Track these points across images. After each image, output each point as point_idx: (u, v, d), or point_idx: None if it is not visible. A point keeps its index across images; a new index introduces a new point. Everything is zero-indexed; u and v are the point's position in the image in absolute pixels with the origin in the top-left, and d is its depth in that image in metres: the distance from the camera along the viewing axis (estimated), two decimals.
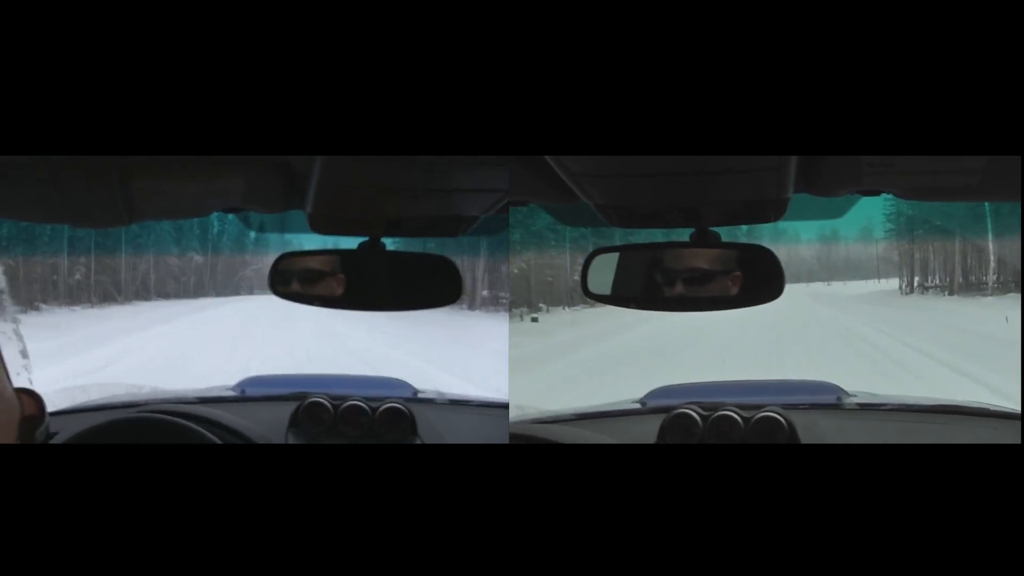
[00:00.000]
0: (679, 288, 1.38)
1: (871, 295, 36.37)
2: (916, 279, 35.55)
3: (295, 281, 1.55)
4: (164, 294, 32.87)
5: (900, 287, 37.00)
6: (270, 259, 1.54)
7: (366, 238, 1.48)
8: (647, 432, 2.06)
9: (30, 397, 0.95)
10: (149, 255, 32.53)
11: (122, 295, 29.57)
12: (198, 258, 34.82)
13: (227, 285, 36.83)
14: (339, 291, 1.52)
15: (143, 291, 31.89)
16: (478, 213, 1.48)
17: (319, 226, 1.44)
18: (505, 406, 2.55)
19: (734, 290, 1.38)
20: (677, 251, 1.40)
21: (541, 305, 24.23)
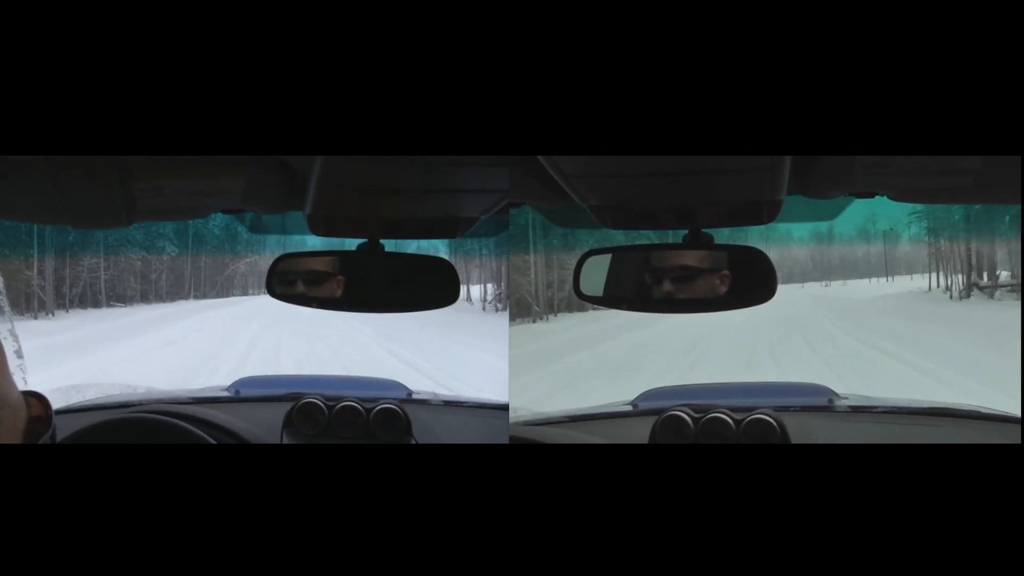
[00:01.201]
0: (667, 287, 1.38)
1: (897, 299, 27.80)
2: (968, 276, 26.23)
3: (292, 283, 1.55)
4: (122, 297, 26.11)
5: (939, 287, 29.02)
6: (267, 254, 1.54)
7: (364, 240, 1.48)
8: (638, 434, 2.06)
9: (37, 400, 0.94)
10: (99, 253, 25.19)
11: (37, 303, 21.97)
12: (172, 248, 28.62)
13: (213, 283, 32.49)
14: (337, 292, 1.52)
15: (90, 296, 25.02)
16: (477, 214, 1.48)
17: (318, 227, 1.44)
18: (499, 407, 2.55)
19: (722, 289, 1.38)
20: (666, 251, 1.40)
21: None
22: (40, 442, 0.92)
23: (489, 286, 25.25)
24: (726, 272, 1.38)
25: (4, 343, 0.87)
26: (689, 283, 1.39)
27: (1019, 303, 19.71)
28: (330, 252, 1.53)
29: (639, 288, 1.44)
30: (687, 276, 1.38)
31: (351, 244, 1.51)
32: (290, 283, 1.54)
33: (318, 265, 1.53)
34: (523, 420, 2.47)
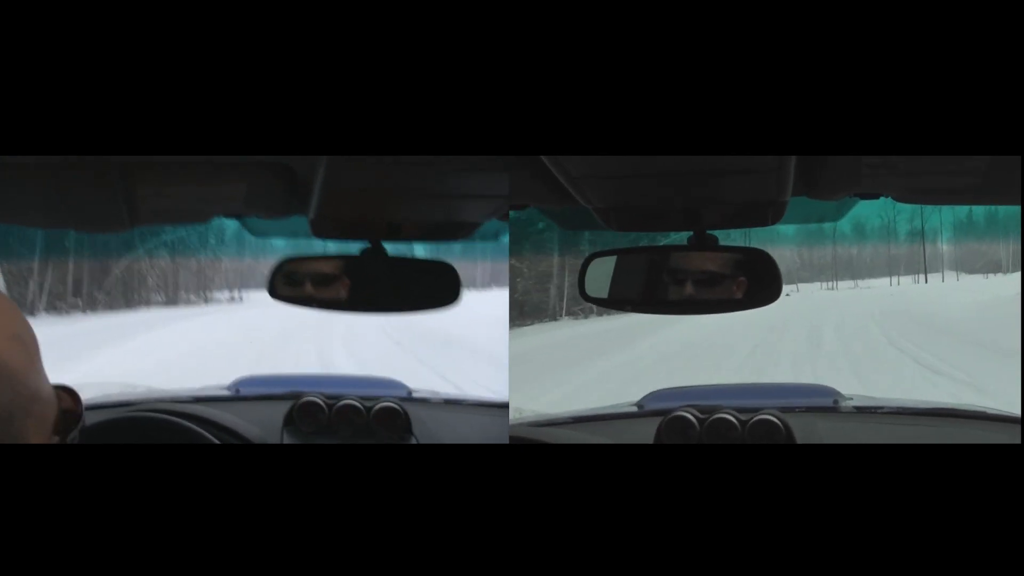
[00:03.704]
0: (688, 289, 1.39)
1: None
2: None
3: (295, 285, 1.55)
4: None
5: None
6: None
7: (366, 243, 1.48)
8: (644, 435, 2.07)
9: (67, 393, 0.94)
10: None
11: None
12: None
13: (102, 285, 22.07)
14: (340, 295, 1.53)
15: None
16: (479, 218, 1.48)
17: (321, 231, 1.44)
18: (500, 406, 2.55)
19: (739, 294, 1.39)
20: (683, 253, 1.41)
21: None
22: (69, 437, 0.92)
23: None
24: (743, 279, 1.39)
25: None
26: (709, 287, 1.39)
27: None
28: (333, 255, 1.53)
29: (647, 290, 1.44)
30: (708, 280, 1.39)
31: (352, 247, 1.51)
32: (292, 285, 1.54)
33: (321, 268, 1.54)
34: (527, 421, 2.47)
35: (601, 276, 1.51)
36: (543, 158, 1.11)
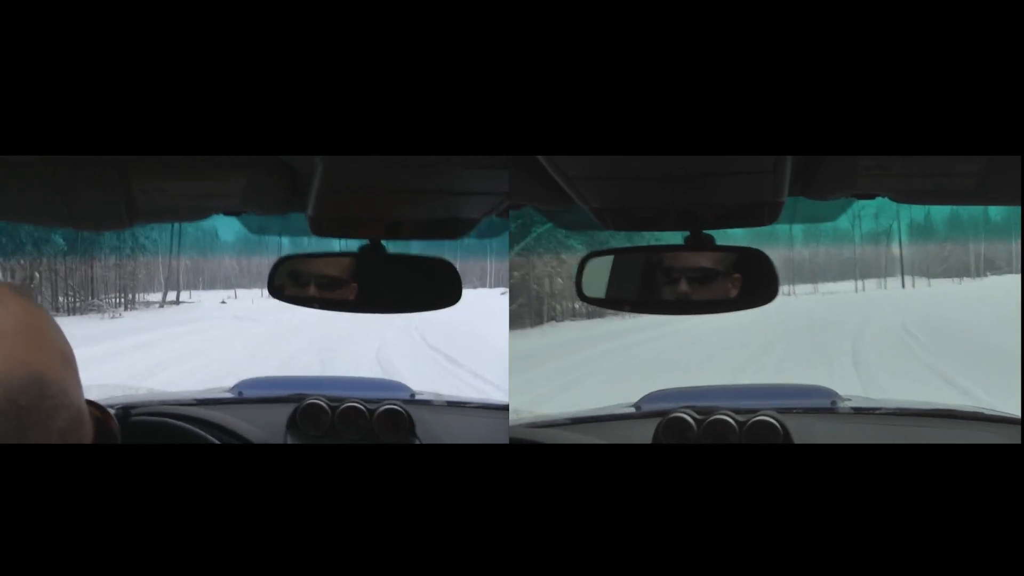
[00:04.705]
0: (683, 287, 1.39)
1: None
2: None
3: (295, 284, 1.55)
4: None
5: None
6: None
7: (366, 241, 1.49)
8: (642, 436, 2.07)
9: (97, 409, 0.95)
10: None
11: None
12: None
13: None
14: (340, 294, 1.53)
15: None
16: (478, 215, 1.48)
17: (320, 229, 1.44)
18: (503, 407, 2.56)
19: (734, 292, 1.38)
20: (678, 252, 1.40)
21: None
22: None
23: None
24: (737, 275, 1.39)
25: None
26: (705, 285, 1.39)
27: None
28: (333, 254, 1.53)
29: (645, 290, 1.44)
30: (703, 277, 1.39)
31: (350, 245, 1.51)
32: (292, 285, 1.54)
33: (321, 267, 1.54)
34: (525, 422, 2.47)
35: (600, 276, 1.51)
36: (540, 158, 1.11)
